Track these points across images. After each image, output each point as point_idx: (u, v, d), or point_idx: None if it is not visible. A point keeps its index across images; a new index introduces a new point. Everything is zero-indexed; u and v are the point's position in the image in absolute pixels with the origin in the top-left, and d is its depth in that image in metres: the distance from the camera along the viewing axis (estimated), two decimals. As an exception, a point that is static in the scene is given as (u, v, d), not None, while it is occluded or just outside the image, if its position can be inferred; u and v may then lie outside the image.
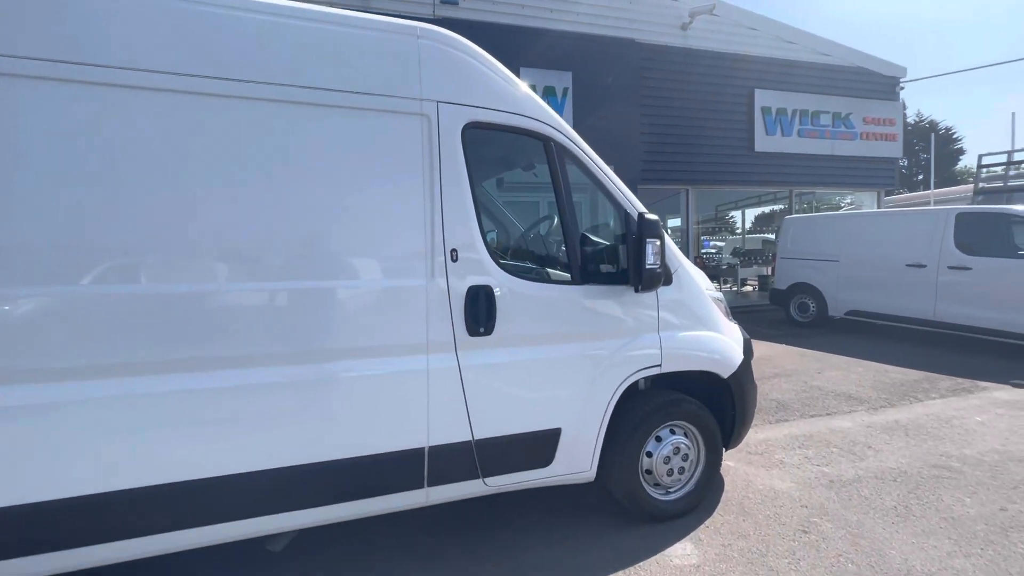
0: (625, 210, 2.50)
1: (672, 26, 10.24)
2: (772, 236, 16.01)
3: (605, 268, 2.49)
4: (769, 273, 11.91)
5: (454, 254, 2.16)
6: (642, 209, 2.55)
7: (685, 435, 2.75)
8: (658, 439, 2.67)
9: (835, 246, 8.39)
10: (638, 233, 2.36)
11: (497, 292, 2.22)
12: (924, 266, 7.20)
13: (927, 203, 16.89)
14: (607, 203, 2.57)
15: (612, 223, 2.80)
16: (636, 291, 2.39)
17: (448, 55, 2.20)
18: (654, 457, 2.64)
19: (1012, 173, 10.59)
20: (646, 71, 10.01)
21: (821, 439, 3.84)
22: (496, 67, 2.33)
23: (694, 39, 10.43)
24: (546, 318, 2.36)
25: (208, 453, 1.85)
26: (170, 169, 1.79)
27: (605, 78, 9.45)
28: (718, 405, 2.88)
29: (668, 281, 2.62)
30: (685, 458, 2.72)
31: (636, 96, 9.84)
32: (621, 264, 2.46)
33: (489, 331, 2.21)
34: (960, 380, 5.42)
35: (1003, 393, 4.99)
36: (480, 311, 2.19)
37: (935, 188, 18.68)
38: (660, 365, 2.60)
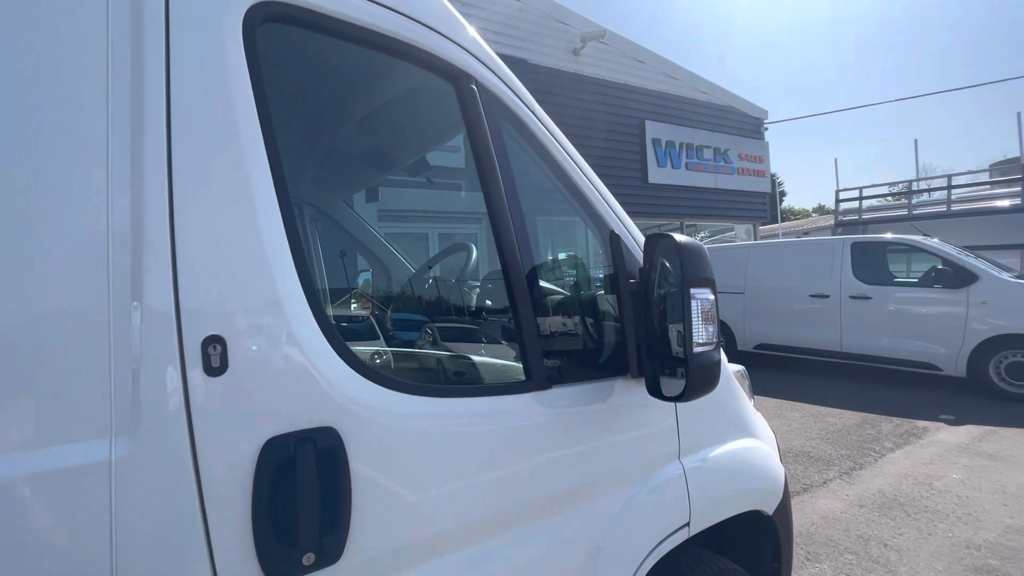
0: (612, 228, 1.30)
1: (564, 50, 9.77)
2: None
3: (581, 344, 1.24)
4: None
5: (213, 351, 0.73)
6: (632, 229, 1.37)
7: (722, 634, 1.53)
8: (684, 659, 1.42)
9: (739, 278, 8.15)
10: (645, 278, 1.15)
11: (352, 444, 0.83)
12: (827, 296, 7.10)
13: (776, 236, 18.64)
14: (581, 216, 1.33)
15: (562, 261, 1.59)
16: (665, 398, 1.14)
17: None
18: None
19: (866, 206, 11.64)
20: (540, 94, 9.30)
21: (824, 539, 2.90)
22: None
23: (586, 66, 10.06)
24: (476, 483, 1.00)
25: None
26: None
27: (498, 97, 8.55)
28: (749, 550, 1.73)
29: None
30: None
31: (532, 119, 9.08)
32: (607, 339, 1.24)
33: (332, 553, 0.81)
34: (896, 420, 5.04)
35: (946, 434, 4.62)
36: (304, 507, 0.78)
37: (779, 223, 20.88)
38: (688, 524, 1.37)
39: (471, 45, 1.10)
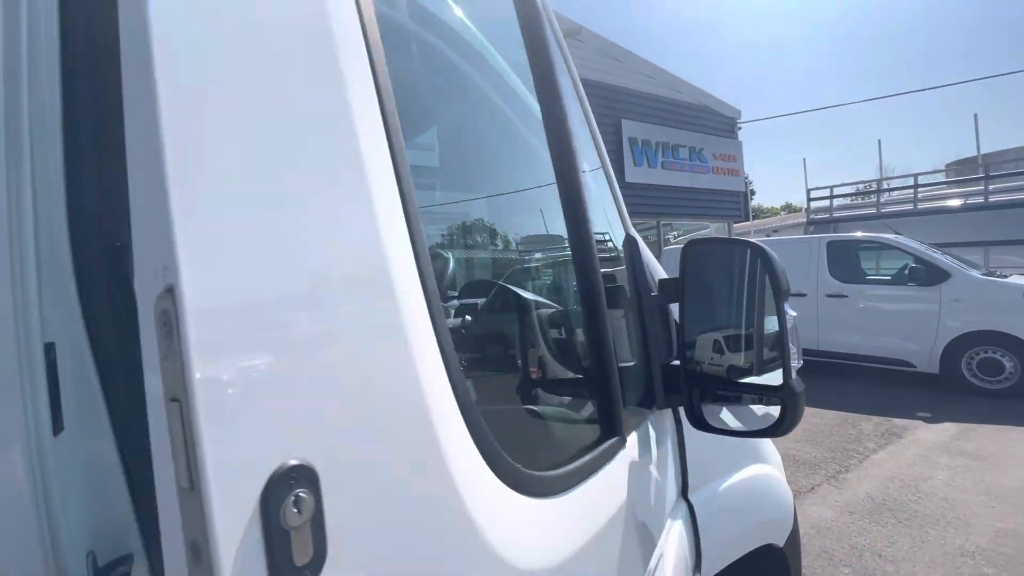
0: (628, 231, 1.16)
1: (540, 47, 9.61)
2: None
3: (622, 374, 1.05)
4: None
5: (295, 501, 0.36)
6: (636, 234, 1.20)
7: None
8: None
9: (717, 276, 8.14)
10: (675, 290, 1.05)
11: None
12: (804, 295, 7.12)
13: (748, 233, 18.98)
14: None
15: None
16: (735, 433, 1.06)
17: None
18: None
19: (836, 205, 11.85)
20: (516, 91, 9.16)
21: (818, 551, 2.81)
22: None
23: (562, 63, 9.92)
24: None
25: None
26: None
27: (473, 94, 8.34)
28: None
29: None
30: None
31: (508, 117, 8.90)
32: (636, 365, 1.06)
33: None
34: (875, 419, 5.05)
35: (924, 432, 4.64)
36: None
37: (750, 221, 21.34)
38: (699, 570, 1.21)
39: None
